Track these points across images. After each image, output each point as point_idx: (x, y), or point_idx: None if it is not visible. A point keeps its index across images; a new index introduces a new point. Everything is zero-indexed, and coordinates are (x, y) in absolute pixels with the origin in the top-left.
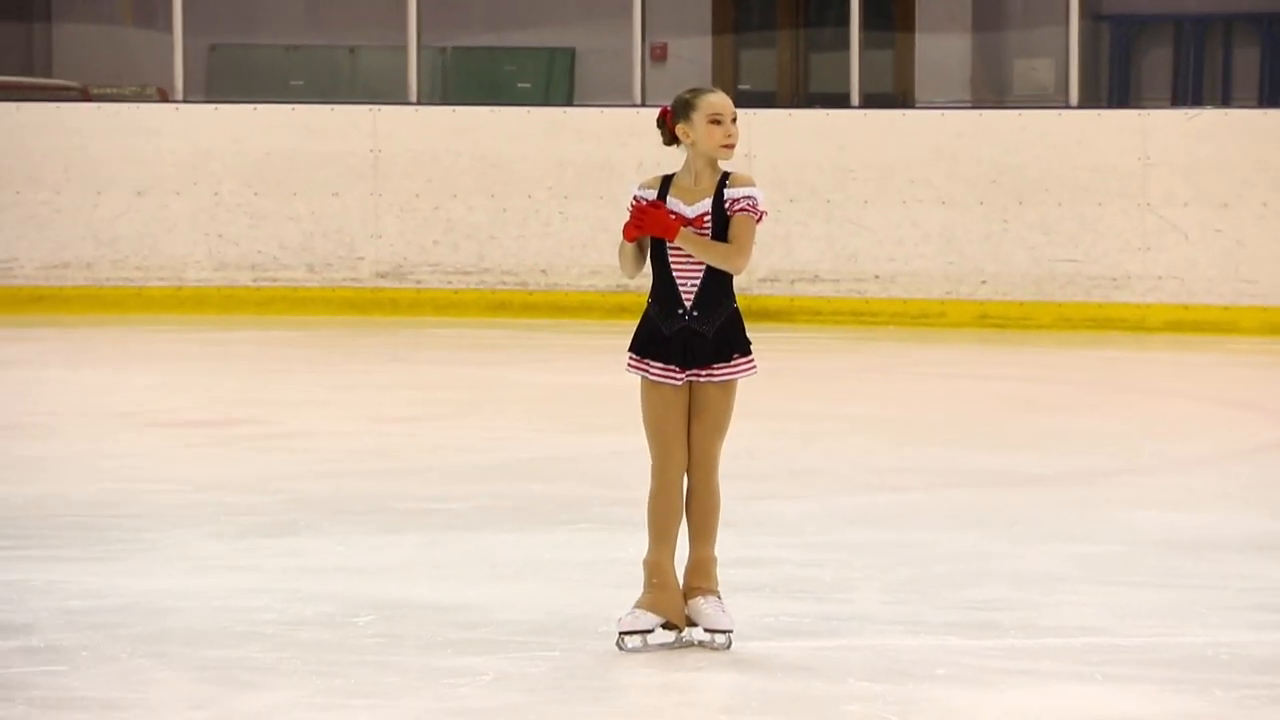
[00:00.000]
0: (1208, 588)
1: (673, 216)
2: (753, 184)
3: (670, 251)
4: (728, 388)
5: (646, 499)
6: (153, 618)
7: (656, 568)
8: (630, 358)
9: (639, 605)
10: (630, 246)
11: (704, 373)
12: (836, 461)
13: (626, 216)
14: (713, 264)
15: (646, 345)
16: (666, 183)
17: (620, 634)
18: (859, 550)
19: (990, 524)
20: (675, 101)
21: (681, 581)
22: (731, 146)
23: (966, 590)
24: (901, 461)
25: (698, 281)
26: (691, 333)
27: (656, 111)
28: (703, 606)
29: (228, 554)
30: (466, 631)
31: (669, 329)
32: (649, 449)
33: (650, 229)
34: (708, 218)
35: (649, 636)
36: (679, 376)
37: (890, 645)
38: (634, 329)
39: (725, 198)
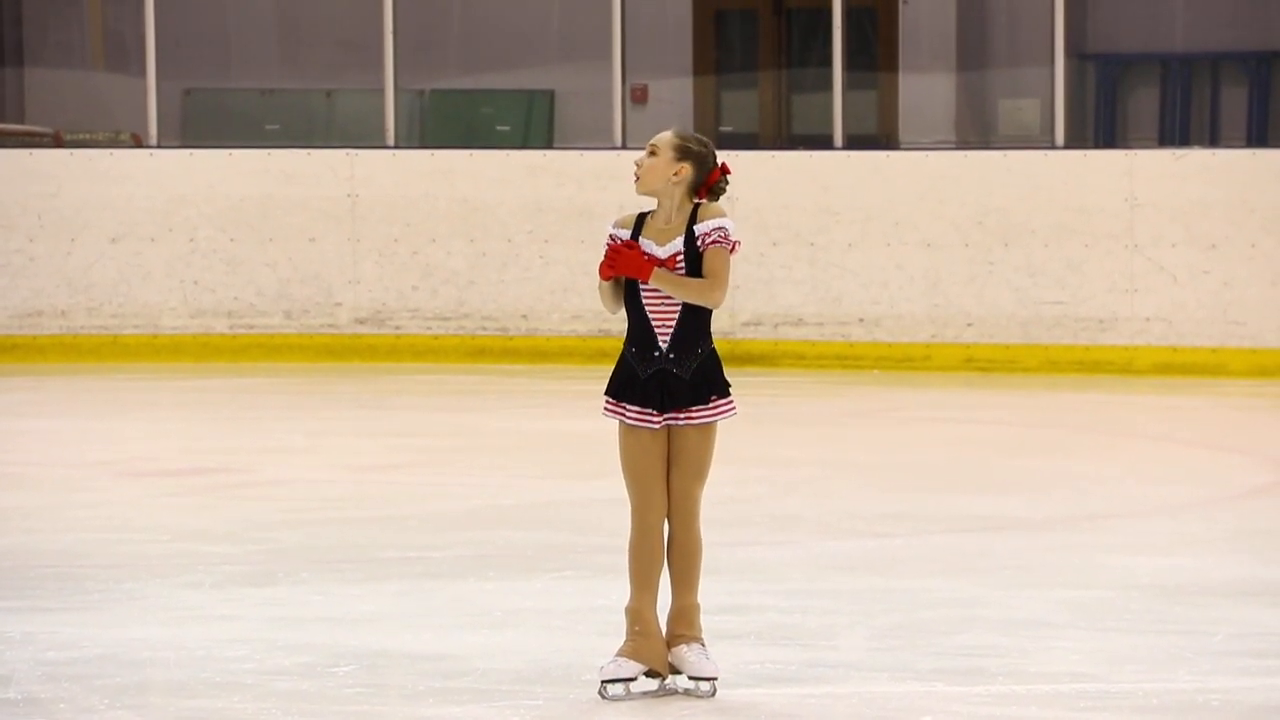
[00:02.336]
0: (1196, 633)
1: (646, 257)
2: (723, 215)
3: (645, 293)
4: (707, 430)
5: (627, 546)
6: (131, 669)
7: (638, 615)
8: (607, 402)
9: (621, 653)
10: (609, 285)
11: (682, 415)
12: (821, 507)
13: (604, 255)
14: (690, 301)
15: (623, 389)
16: (640, 222)
17: (602, 682)
18: (844, 596)
19: (977, 569)
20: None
21: (664, 629)
22: (637, 179)
23: (953, 636)
24: (887, 506)
25: (673, 323)
26: (668, 375)
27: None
28: (686, 654)
29: (206, 604)
30: (448, 681)
31: (645, 371)
32: (628, 495)
33: (623, 269)
34: (680, 257)
35: (631, 685)
36: (656, 420)
37: (877, 692)
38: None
39: (695, 234)
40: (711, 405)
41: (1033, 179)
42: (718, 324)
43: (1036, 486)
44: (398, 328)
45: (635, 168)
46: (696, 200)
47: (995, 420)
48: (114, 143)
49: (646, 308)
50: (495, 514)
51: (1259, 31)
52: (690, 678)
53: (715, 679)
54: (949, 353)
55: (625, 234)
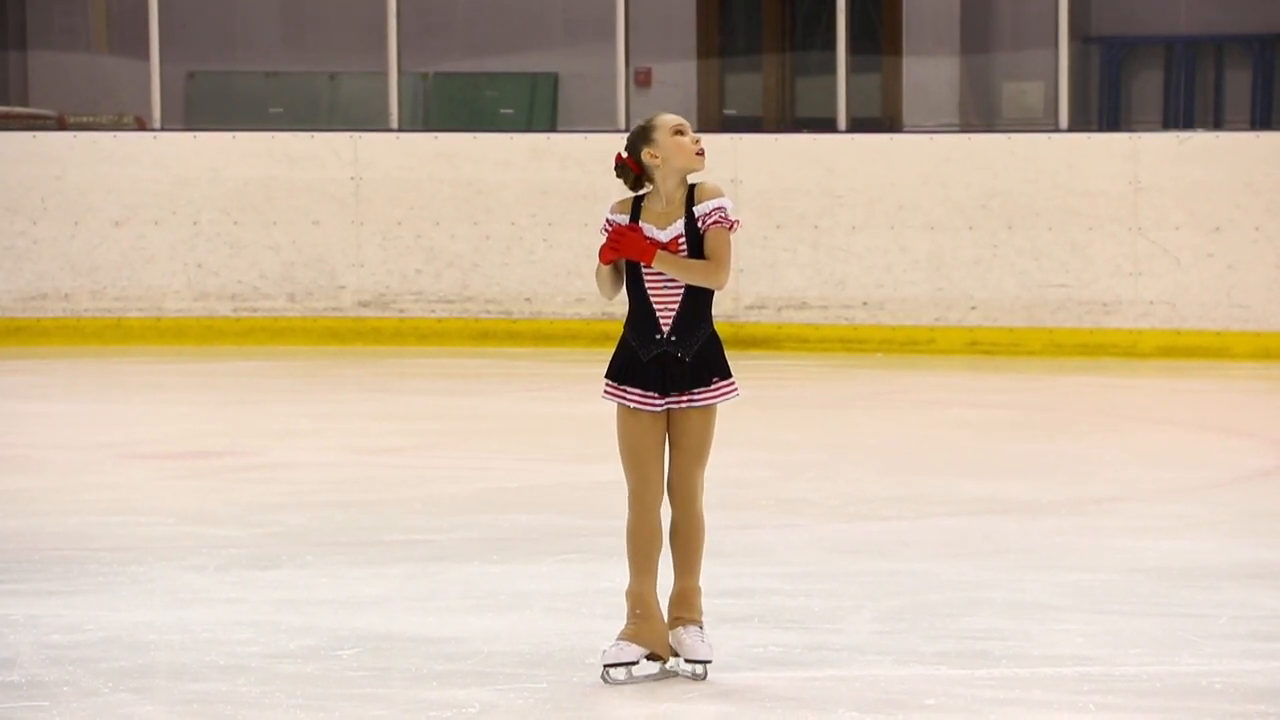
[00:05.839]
0: (1200, 616)
1: (648, 240)
2: (720, 194)
3: (647, 276)
4: (708, 413)
5: (625, 529)
6: (135, 651)
7: (639, 599)
8: (607, 385)
9: (623, 637)
10: (607, 269)
11: (684, 398)
12: (825, 490)
13: (614, 220)
14: (694, 283)
15: (624, 371)
16: (637, 206)
17: (605, 666)
18: (849, 580)
19: (981, 553)
20: (630, 137)
21: (666, 611)
22: (703, 153)
23: (957, 620)
24: (891, 490)
25: (675, 305)
26: (670, 358)
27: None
28: (683, 637)
29: (211, 586)
30: (453, 663)
31: (647, 355)
32: (626, 477)
33: (627, 251)
34: (682, 239)
35: (634, 668)
36: (658, 403)
37: (881, 675)
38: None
39: (695, 215)
40: (714, 387)
41: (1036, 162)
42: (721, 307)
43: (1040, 470)
44: (401, 311)
45: (697, 142)
46: (691, 182)
47: (999, 404)
48: (118, 126)
49: (649, 291)
50: (500, 497)
51: (1263, 14)
52: (685, 660)
53: (708, 662)
54: (953, 336)
55: (624, 219)
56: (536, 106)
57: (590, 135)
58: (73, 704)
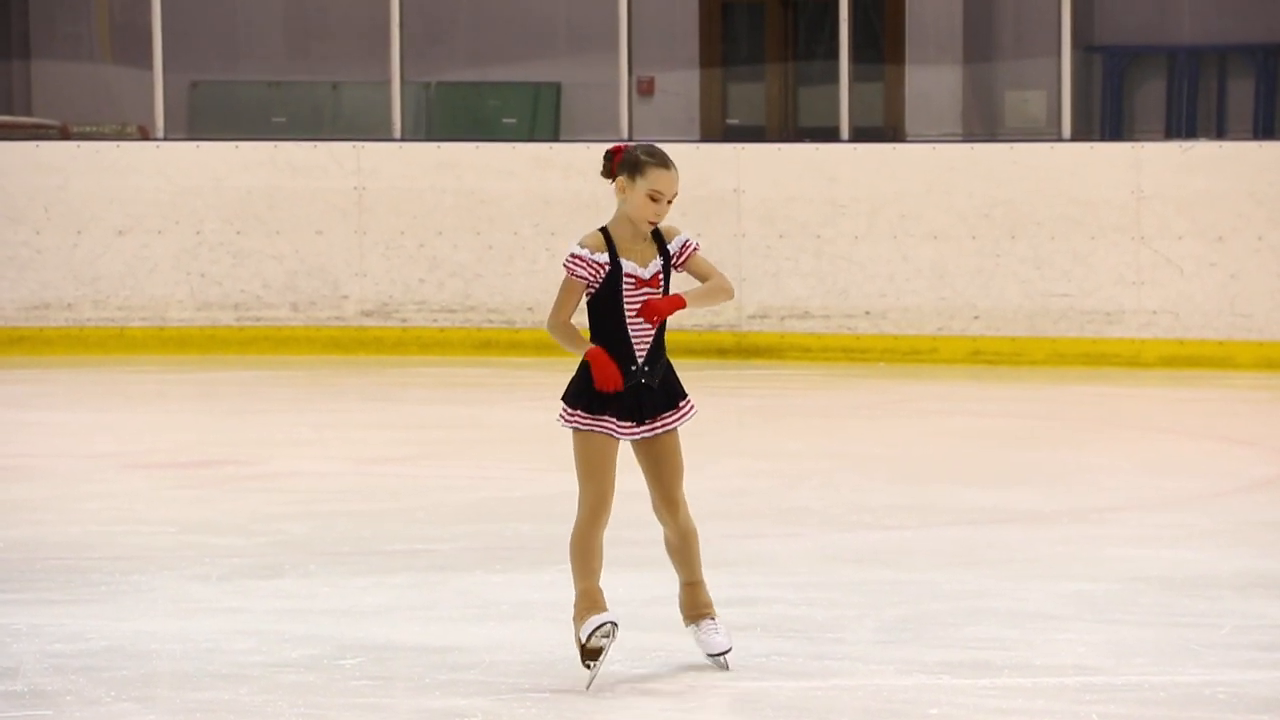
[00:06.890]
0: (1204, 626)
1: (660, 291)
2: (679, 230)
3: (629, 311)
4: (677, 433)
5: (572, 536)
6: (137, 660)
7: (588, 594)
8: (565, 410)
9: (592, 612)
10: (573, 328)
11: (658, 423)
12: (828, 499)
13: (594, 259)
14: (718, 304)
15: (596, 401)
16: (609, 240)
17: (592, 632)
18: (852, 589)
19: (984, 562)
20: (630, 152)
21: (682, 614)
22: (655, 223)
23: (960, 629)
24: (894, 499)
25: (651, 338)
26: (643, 387)
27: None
28: (700, 634)
29: (213, 596)
30: (455, 673)
31: (623, 384)
32: (584, 492)
33: (668, 309)
34: (660, 276)
35: (612, 630)
36: (636, 430)
37: (884, 685)
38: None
39: (670, 252)
40: (681, 409)
41: (1039, 171)
42: (723, 316)
43: (1043, 479)
44: (404, 320)
45: (664, 212)
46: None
47: (1002, 413)
48: (121, 135)
49: (630, 326)
50: (502, 506)
51: (1266, 23)
52: (708, 656)
53: (729, 651)
54: (956, 345)
55: (602, 256)
56: (539, 116)
57: (593, 145)
58: (75, 713)
